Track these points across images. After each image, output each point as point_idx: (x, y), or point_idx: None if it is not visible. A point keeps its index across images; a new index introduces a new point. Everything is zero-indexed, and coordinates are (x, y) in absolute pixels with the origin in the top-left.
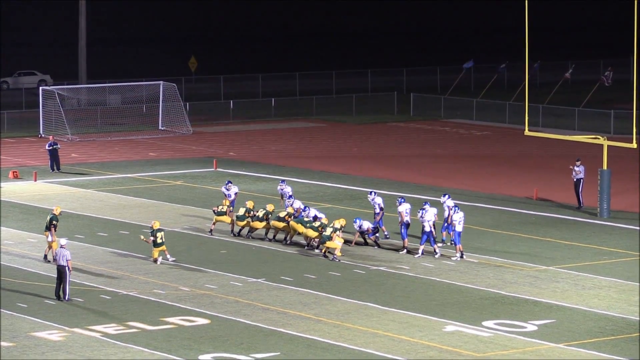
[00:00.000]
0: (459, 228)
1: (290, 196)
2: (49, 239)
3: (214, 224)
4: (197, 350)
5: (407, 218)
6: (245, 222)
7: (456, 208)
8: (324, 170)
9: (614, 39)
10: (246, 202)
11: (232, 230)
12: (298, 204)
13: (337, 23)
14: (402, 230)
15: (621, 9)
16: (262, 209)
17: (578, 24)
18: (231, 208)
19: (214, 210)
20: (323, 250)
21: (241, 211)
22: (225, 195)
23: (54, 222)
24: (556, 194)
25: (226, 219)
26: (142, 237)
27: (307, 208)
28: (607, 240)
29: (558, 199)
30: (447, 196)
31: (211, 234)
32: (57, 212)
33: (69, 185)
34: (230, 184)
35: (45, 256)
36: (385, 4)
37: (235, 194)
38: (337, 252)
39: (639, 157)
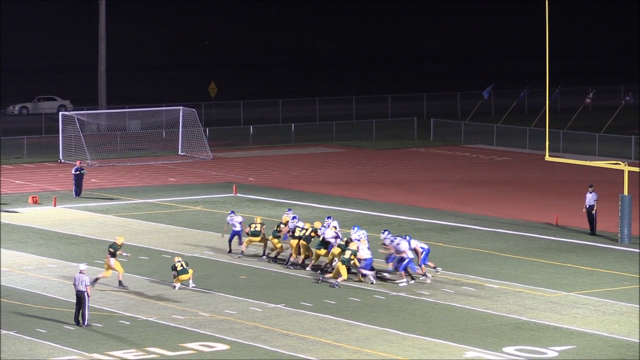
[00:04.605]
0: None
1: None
2: (111, 263)
3: (246, 245)
4: None
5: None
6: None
7: (407, 237)
8: (343, 196)
9: (635, 64)
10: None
11: (264, 253)
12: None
13: (357, 48)
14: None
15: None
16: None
17: (599, 50)
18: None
19: (247, 232)
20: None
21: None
22: (230, 224)
23: (111, 249)
24: (577, 220)
25: (258, 239)
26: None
27: (295, 218)
28: (628, 266)
29: (579, 224)
30: (387, 232)
31: (242, 254)
32: (119, 242)
33: (88, 211)
34: (233, 214)
35: (120, 282)
36: (405, 30)
37: (240, 223)
38: (342, 279)
39: None
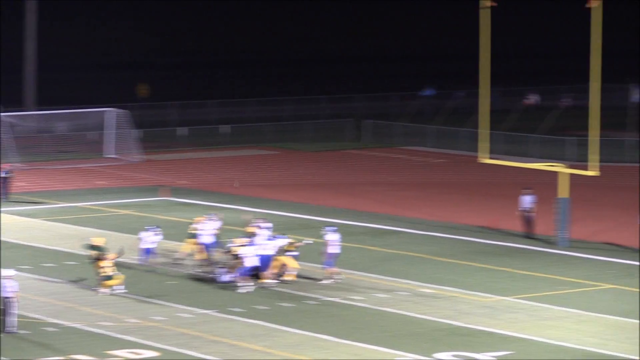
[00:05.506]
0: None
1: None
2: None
3: (186, 249)
4: None
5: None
6: None
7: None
8: (277, 199)
9: (573, 65)
10: None
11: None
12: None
13: (290, 49)
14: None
15: (579, 36)
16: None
17: (537, 51)
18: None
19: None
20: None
21: None
22: (141, 239)
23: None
24: (513, 223)
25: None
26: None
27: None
28: (564, 270)
29: (515, 227)
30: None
31: (181, 260)
32: (97, 244)
33: (15, 215)
34: (150, 231)
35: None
36: (340, 30)
37: (153, 243)
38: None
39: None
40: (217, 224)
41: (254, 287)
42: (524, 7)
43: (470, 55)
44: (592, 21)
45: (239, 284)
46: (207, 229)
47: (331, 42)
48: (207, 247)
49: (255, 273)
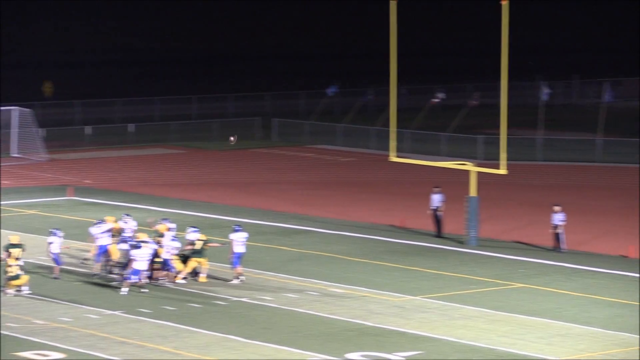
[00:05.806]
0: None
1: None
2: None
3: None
4: None
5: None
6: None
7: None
8: (183, 198)
9: (482, 63)
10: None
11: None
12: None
13: (195, 47)
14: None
15: (489, 34)
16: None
17: (446, 49)
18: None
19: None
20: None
21: None
22: (49, 244)
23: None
24: (423, 222)
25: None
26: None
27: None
28: (475, 269)
29: (425, 226)
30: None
31: (86, 260)
32: (16, 242)
33: None
34: (55, 235)
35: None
36: (246, 28)
37: (59, 246)
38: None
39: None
40: (130, 223)
41: (127, 291)
42: (432, 4)
43: (378, 52)
44: (503, 19)
45: (122, 286)
46: (104, 229)
47: (238, 40)
48: (102, 248)
49: (150, 274)
